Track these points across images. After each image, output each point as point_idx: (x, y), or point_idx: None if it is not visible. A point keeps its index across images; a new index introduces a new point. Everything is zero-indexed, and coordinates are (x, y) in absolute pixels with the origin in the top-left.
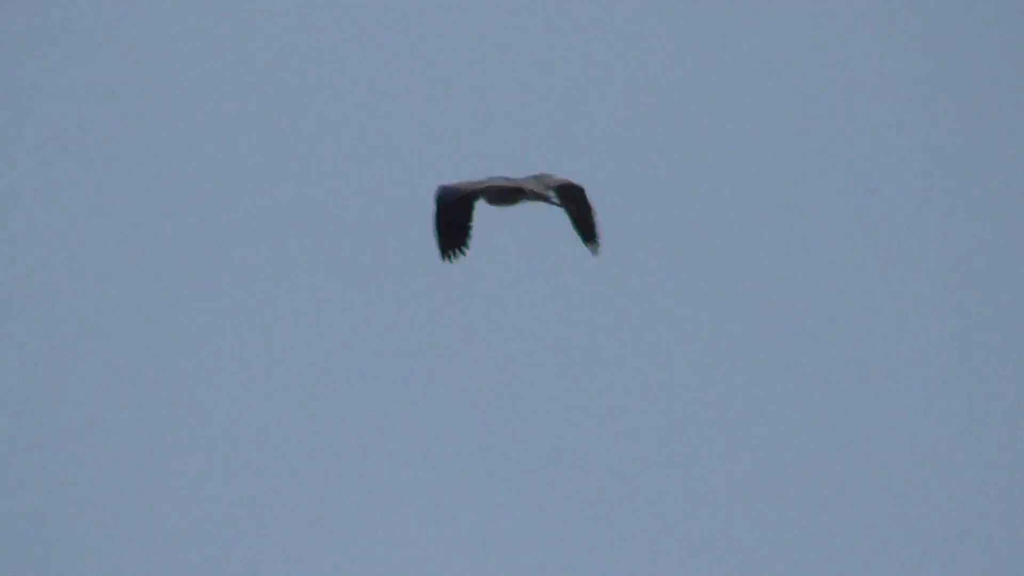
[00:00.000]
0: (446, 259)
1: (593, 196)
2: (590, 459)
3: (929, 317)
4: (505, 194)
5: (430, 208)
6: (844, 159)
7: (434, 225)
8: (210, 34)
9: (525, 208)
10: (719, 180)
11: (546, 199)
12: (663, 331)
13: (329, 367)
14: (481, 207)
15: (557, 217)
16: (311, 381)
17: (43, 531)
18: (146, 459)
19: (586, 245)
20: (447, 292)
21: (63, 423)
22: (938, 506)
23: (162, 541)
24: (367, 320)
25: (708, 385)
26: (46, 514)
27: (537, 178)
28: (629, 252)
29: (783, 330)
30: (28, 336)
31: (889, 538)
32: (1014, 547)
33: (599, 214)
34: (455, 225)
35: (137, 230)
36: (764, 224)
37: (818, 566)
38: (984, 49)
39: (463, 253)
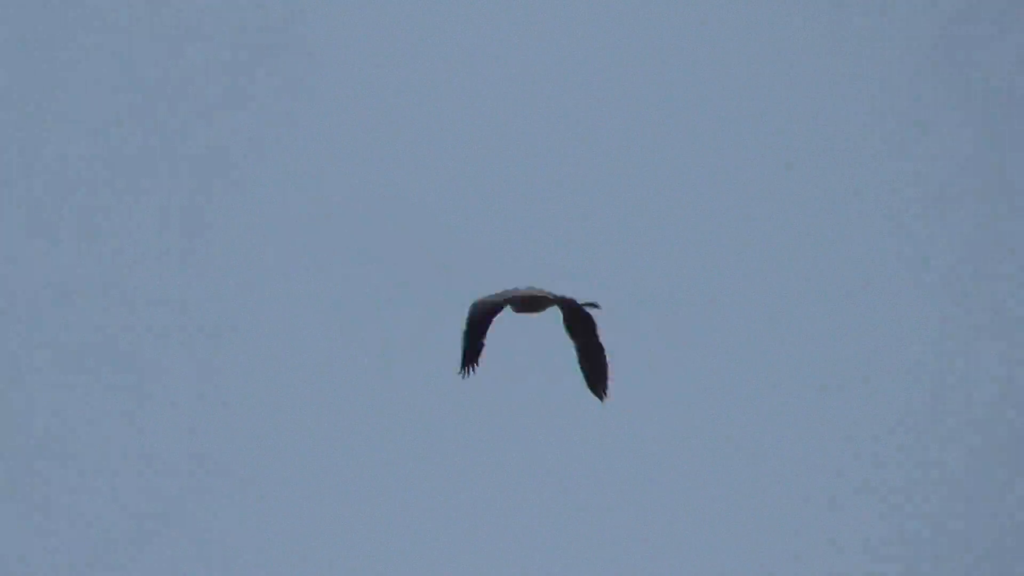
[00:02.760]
0: (464, 373)
1: (604, 338)
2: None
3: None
4: (531, 302)
5: (461, 325)
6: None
7: (464, 340)
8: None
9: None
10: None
11: (569, 303)
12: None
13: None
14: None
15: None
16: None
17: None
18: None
19: (593, 391)
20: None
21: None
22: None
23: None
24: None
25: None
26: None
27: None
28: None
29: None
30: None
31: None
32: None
33: (609, 359)
34: (477, 342)
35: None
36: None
37: None
38: (981, 51)
39: (474, 369)
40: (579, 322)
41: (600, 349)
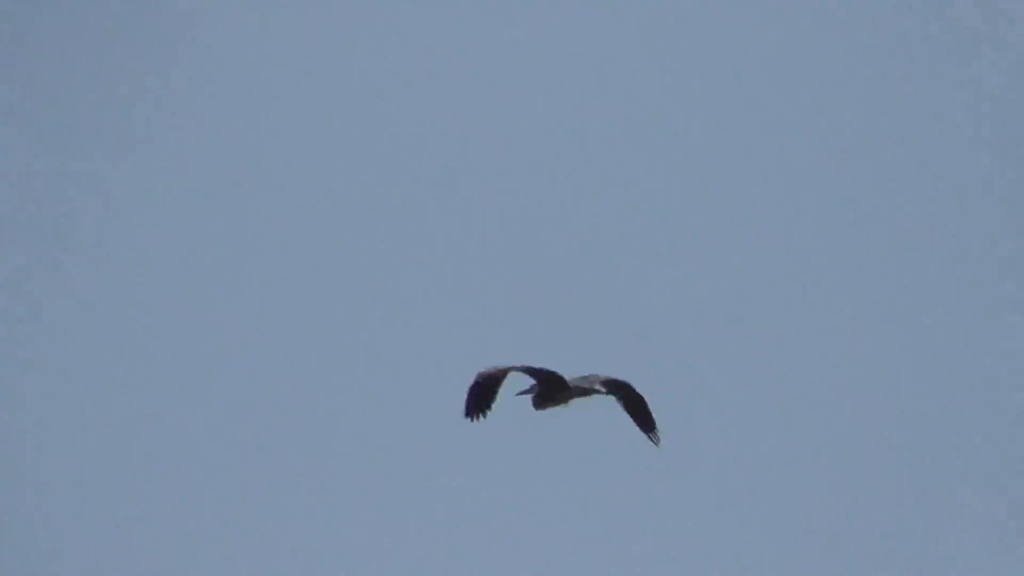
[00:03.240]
0: (471, 418)
1: (643, 389)
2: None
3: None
4: (551, 391)
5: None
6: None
7: (468, 395)
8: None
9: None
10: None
11: (593, 391)
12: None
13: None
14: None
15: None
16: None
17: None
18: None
19: (647, 435)
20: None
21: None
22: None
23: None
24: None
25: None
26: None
27: (583, 379)
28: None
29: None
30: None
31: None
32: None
33: (652, 404)
34: (485, 396)
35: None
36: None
37: None
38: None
39: (484, 416)
40: (617, 384)
41: (640, 398)
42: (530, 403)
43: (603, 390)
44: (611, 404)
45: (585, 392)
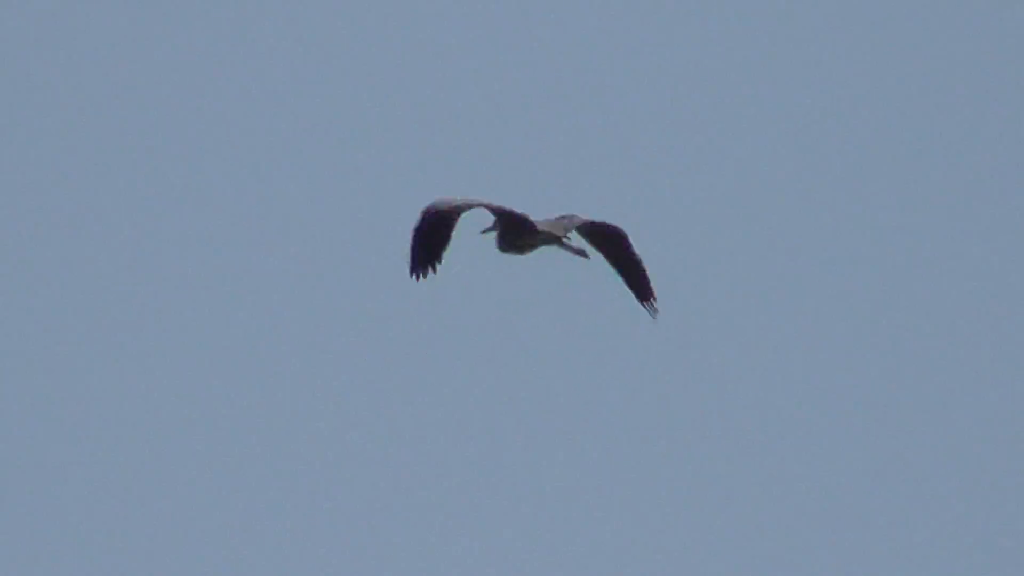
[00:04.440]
0: (414, 276)
1: (638, 245)
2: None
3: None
4: (516, 230)
5: (413, 221)
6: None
7: (412, 239)
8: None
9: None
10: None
11: (564, 244)
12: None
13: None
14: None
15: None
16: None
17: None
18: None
19: (642, 304)
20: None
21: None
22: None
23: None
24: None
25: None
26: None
27: (560, 219)
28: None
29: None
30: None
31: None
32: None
33: (648, 267)
34: (433, 242)
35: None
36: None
37: None
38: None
39: (434, 271)
40: (604, 237)
41: (636, 262)
42: (495, 244)
43: (583, 251)
44: (599, 266)
45: (558, 240)
